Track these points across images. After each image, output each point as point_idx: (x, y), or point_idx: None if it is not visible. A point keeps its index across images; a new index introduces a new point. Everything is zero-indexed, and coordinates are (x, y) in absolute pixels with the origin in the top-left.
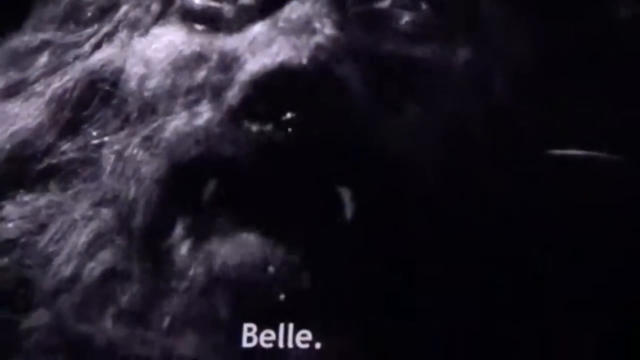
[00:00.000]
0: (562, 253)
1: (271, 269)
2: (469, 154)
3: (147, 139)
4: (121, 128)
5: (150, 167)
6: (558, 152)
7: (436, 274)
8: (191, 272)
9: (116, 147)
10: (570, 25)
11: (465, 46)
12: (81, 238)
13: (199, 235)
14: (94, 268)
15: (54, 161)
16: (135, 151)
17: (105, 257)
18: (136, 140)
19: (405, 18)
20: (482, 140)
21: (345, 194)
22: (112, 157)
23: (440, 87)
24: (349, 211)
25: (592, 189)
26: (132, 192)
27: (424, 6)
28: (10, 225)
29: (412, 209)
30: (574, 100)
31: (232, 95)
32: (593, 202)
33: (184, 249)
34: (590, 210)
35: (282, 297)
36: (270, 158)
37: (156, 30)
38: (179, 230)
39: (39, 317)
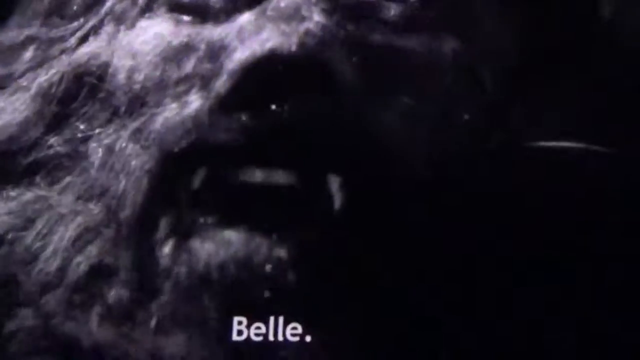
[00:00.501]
0: (549, 242)
1: (260, 265)
2: (458, 144)
3: (137, 131)
4: (109, 121)
5: (140, 159)
6: (546, 143)
7: (426, 265)
8: (176, 269)
9: (105, 141)
10: (557, 18)
11: (453, 38)
12: (68, 232)
13: (184, 231)
14: (81, 263)
15: (41, 155)
16: (124, 144)
17: (92, 251)
18: (125, 133)
19: (394, 9)
20: (471, 131)
21: (334, 183)
22: (101, 150)
23: (428, 78)
24: (337, 201)
25: (579, 180)
26: (121, 185)
27: None
28: None
29: (400, 198)
30: (559, 92)
31: (221, 83)
32: (580, 193)
33: (169, 245)
34: (575, 201)
35: (267, 293)
36: (259, 146)
37: (143, 23)
38: (164, 226)
39: (25, 317)
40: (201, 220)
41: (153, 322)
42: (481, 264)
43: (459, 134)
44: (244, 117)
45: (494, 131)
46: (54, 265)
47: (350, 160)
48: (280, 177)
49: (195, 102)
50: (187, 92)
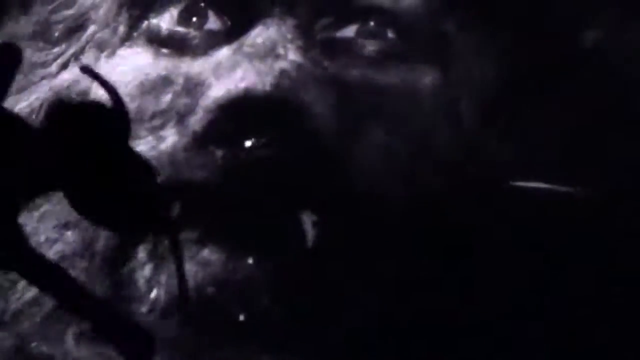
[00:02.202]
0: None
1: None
2: (435, 177)
3: None
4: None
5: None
6: (521, 184)
7: (400, 298)
8: (153, 294)
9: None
10: (536, 49)
11: (431, 71)
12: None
13: (162, 256)
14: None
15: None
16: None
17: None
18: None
19: (371, 45)
20: (449, 164)
21: (308, 219)
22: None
23: (407, 112)
24: (310, 236)
25: (547, 219)
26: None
27: (389, 34)
28: None
29: (376, 233)
30: (538, 123)
31: (196, 120)
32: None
33: (146, 271)
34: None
35: (242, 316)
36: (234, 182)
37: (123, 52)
38: (141, 252)
39: (3, 339)
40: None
41: (130, 344)
42: (453, 297)
43: (435, 169)
44: (218, 154)
45: (469, 166)
46: (31, 292)
47: (324, 198)
48: (255, 213)
49: (170, 137)
50: (163, 126)
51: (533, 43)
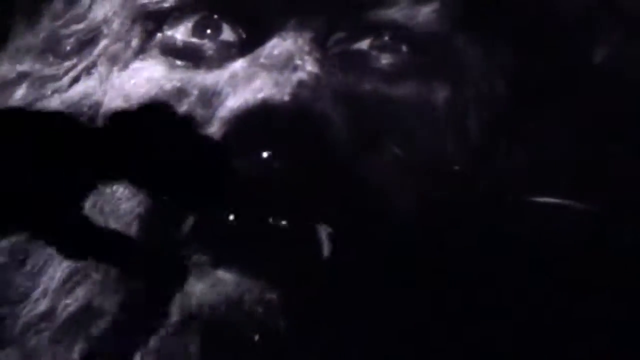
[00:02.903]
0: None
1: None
2: (446, 190)
3: None
4: (101, 162)
5: (130, 203)
6: (532, 199)
7: (414, 314)
8: (167, 310)
9: (95, 182)
10: (543, 65)
11: (444, 86)
12: (57, 273)
13: (177, 272)
14: (69, 304)
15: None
16: (114, 187)
17: (81, 293)
18: (115, 174)
19: (386, 59)
20: (460, 177)
21: (324, 232)
22: (91, 191)
23: (420, 126)
24: (326, 249)
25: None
26: (110, 227)
27: (403, 47)
28: None
29: (390, 246)
30: (545, 138)
31: (213, 131)
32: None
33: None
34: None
35: (256, 336)
36: (251, 194)
37: (136, 64)
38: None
39: (8, 355)
40: (194, 259)
41: None
42: (470, 310)
43: (446, 183)
44: (235, 165)
45: (481, 181)
46: (43, 305)
47: (339, 209)
48: (271, 224)
49: None
50: None
51: (540, 58)
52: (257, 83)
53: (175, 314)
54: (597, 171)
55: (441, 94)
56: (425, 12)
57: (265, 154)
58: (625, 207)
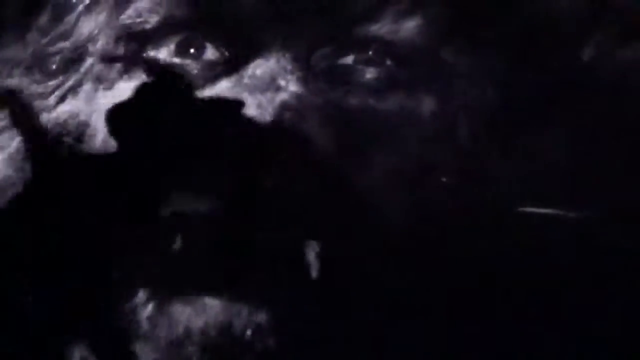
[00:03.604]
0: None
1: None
2: (438, 203)
3: None
4: (90, 181)
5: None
6: (524, 209)
7: (406, 331)
8: (155, 333)
9: (85, 200)
10: (532, 71)
11: (430, 97)
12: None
13: (163, 297)
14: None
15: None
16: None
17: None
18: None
19: (370, 73)
20: (450, 188)
21: (312, 252)
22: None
23: (408, 139)
24: (314, 269)
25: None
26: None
27: (388, 62)
28: None
29: (380, 263)
30: (537, 144)
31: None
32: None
33: (149, 309)
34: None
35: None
36: (237, 215)
37: (122, 85)
38: (141, 293)
39: None
40: (180, 283)
41: None
42: (461, 322)
43: (438, 195)
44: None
45: (472, 191)
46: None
47: (329, 225)
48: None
49: None
50: None
51: (529, 64)
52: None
53: (162, 340)
54: (592, 178)
55: (429, 105)
56: (408, 27)
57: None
58: (622, 214)
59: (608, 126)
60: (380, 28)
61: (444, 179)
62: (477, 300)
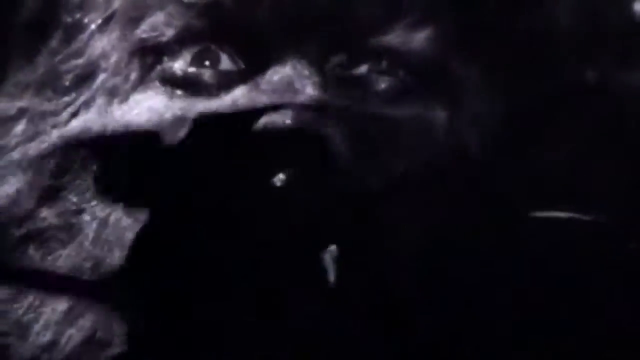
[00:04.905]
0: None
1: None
2: (450, 211)
3: None
4: (103, 195)
5: (135, 232)
6: (540, 214)
7: (423, 339)
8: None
9: (99, 214)
10: (539, 83)
11: (442, 107)
12: (60, 305)
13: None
14: (73, 336)
15: (33, 228)
16: (118, 218)
17: (85, 324)
18: (120, 207)
19: (383, 82)
20: (462, 197)
21: (329, 256)
22: (95, 223)
23: (421, 147)
24: (332, 273)
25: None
26: (115, 258)
27: (400, 72)
28: None
29: (396, 268)
30: (544, 154)
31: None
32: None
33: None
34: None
35: None
36: (254, 220)
37: (136, 96)
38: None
39: None
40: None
41: None
42: (472, 336)
43: (450, 203)
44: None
45: (482, 199)
46: (46, 337)
47: (344, 231)
48: (275, 250)
49: None
50: None
51: (536, 77)
52: (258, 109)
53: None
54: (598, 186)
55: (439, 114)
56: (420, 38)
57: (270, 178)
58: (629, 217)
59: (612, 137)
60: (393, 38)
61: (453, 186)
62: (488, 307)
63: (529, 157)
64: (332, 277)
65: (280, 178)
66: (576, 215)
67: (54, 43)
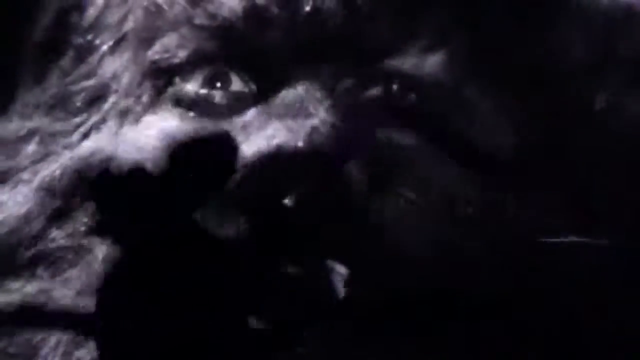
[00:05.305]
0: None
1: None
2: (460, 234)
3: None
4: (113, 218)
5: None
6: (552, 240)
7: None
8: None
9: (109, 236)
10: (549, 111)
11: (453, 132)
12: (69, 326)
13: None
14: (82, 357)
15: (43, 248)
16: (128, 241)
17: (94, 345)
18: (130, 229)
19: (394, 106)
20: (473, 223)
21: (338, 273)
22: (105, 245)
23: (431, 172)
24: (340, 291)
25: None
26: (125, 281)
27: (412, 96)
28: None
29: (409, 292)
30: (554, 179)
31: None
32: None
33: None
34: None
35: None
36: (266, 240)
37: (148, 118)
38: None
39: None
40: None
41: None
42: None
43: (460, 227)
44: (251, 212)
45: (494, 225)
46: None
47: (355, 252)
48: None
49: None
50: None
51: (548, 104)
52: (270, 130)
53: None
54: (609, 211)
55: (452, 140)
56: (432, 62)
57: (280, 200)
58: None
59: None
60: (405, 62)
61: (465, 211)
62: (503, 331)
63: (539, 183)
64: (340, 293)
65: (291, 199)
66: (584, 240)
67: (65, 64)
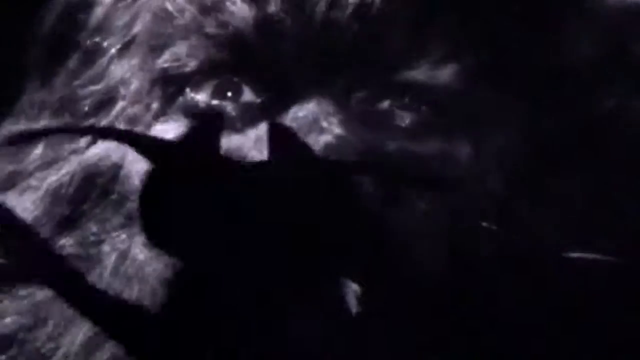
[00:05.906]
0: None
1: None
2: (472, 248)
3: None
4: (123, 226)
5: (154, 267)
6: (566, 255)
7: None
8: None
9: (119, 246)
10: (561, 118)
11: (464, 143)
12: (79, 335)
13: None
14: None
15: (52, 256)
16: (138, 250)
17: (103, 356)
18: (140, 239)
19: (407, 118)
20: (484, 235)
21: (351, 290)
22: (114, 255)
23: (445, 182)
24: (354, 306)
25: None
26: (135, 292)
27: (424, 107)
28: (7, 320)
29: (421, 305)
30: (567, 190)
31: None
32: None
33: None
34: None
35: None
36: (280, 256)
37: (158, 127)
38: None
39: None
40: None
41: None
42: None
43: (473, 240)
44: (264, 229)
45: (505, 237)
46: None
47: (368, 266)
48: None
49: None
50: None
51: (559, 109)
52: (283, 144)
53: None
54: (623, 222)
55: (464, 151)
56: (445, 74)
57: (295, 217)
58: None
59: (626, 173)
60: (418, 73)
61: (477, 224)
62: (515, 347)
63: (552, 194)
64: (354, 308)
65: (306, 215)
66: (598, 256)
67: (72, 66)
